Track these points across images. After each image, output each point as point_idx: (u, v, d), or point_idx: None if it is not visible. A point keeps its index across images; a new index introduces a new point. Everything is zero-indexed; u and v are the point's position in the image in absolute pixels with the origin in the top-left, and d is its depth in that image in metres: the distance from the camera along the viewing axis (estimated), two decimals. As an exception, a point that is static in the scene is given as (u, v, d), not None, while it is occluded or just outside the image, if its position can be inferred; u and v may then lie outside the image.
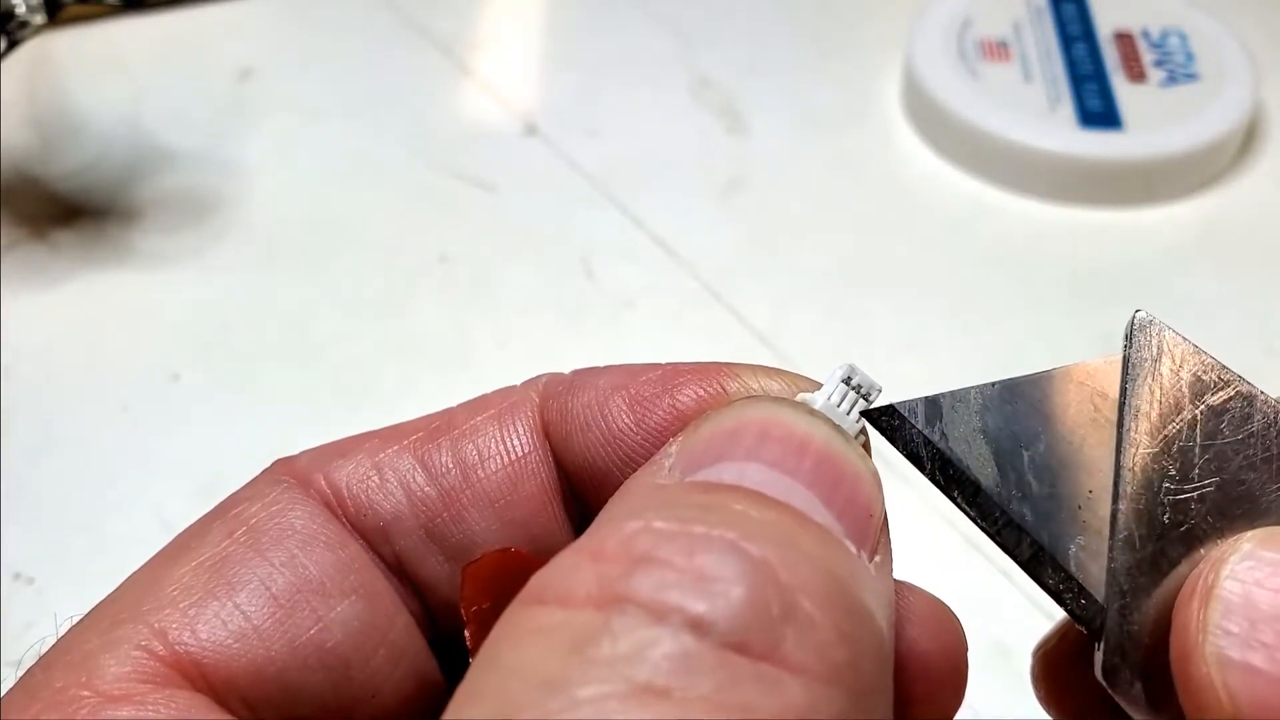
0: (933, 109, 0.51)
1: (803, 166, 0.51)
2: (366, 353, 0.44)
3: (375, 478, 0.19)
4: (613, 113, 0.53)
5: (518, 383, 0.21)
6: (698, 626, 0.14)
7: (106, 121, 0.52)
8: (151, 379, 0.43)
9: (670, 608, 0.14)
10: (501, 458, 0.19)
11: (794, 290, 0.47)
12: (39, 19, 0.43)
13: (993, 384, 0.19)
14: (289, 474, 0.20)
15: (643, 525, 0.15)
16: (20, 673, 0.17)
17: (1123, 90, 0.51)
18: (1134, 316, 0.19)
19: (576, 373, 0.20)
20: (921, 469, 0.19)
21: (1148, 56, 0.53)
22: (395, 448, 0.20)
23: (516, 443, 0.19)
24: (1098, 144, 0.49)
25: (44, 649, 0.17)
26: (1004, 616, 0.37)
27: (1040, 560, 0.18)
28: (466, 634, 0.18)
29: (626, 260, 0.47)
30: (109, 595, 0.18)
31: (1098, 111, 0.50)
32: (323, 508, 0.19)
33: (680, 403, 0.19)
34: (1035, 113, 0.50)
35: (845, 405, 0.19)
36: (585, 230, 0.48)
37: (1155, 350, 0.19)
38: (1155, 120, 0.50)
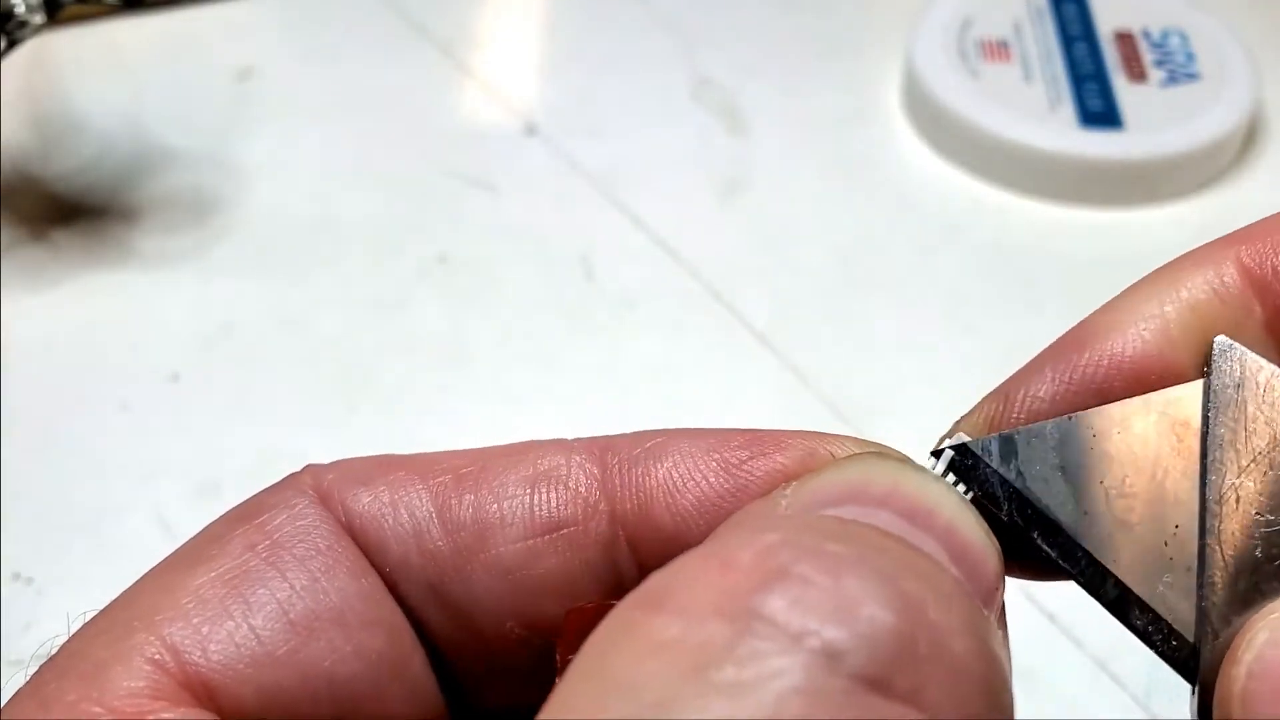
0: (933, 109, 0.51)
1: (803, 166, 0.51)
2: (366, 353, 0.44)
3: (390, 518, 0.18)
4: (613, 113, 0.53)
5: (554, 428, 0.20)
6: (835, 655, 0.13)
7: (106, 121, 0.52)
8: (151, 379, 0.43)
9: (808, 630, 0.13)
10: (523, 526, 0.18)
11: (794, 290, 0.47)
12: (39, 19, 0.43)
13: (1068, 417, 0.18)
14: (315, 488, 0.19)
15: (781, 539, 0.14)
16: (30, 671, 0.17)
17: (1123, 90, 0.51)
18: (1214, 341, 0.18)
19: (640, 437, 0.19)
20: (998, 510, 0.18)
21: (1148, 56, 0.53)
22: (419, 488, 0.19)
23: (545, 511, 0.18)
24: (1098, 144, 0.49)
25: (54, 648, 0.17)
26: (1024, 636, 0.37)
27: (1126, 600, 0.17)
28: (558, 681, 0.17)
29: (626, 260, 0.47)
30: (121, 595, 0.18)
31: (1098, 111, 0.50)
32: (345, 531, 0.18)
33: (782, 463, 0.18)
34: (1035, 113, 0.50)
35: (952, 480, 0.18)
36: (585, 230, 0.48)
37: (1238, 376, 0.18)
38: (1156, 120, 0.50)
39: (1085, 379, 0.18)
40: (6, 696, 0.37)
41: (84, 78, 0.54)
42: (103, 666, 0.16)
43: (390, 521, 0.18)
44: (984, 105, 0.50)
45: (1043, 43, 0.53)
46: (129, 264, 0.47)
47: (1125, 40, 0.54)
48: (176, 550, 0.18)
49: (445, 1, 0.59)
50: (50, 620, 0.36)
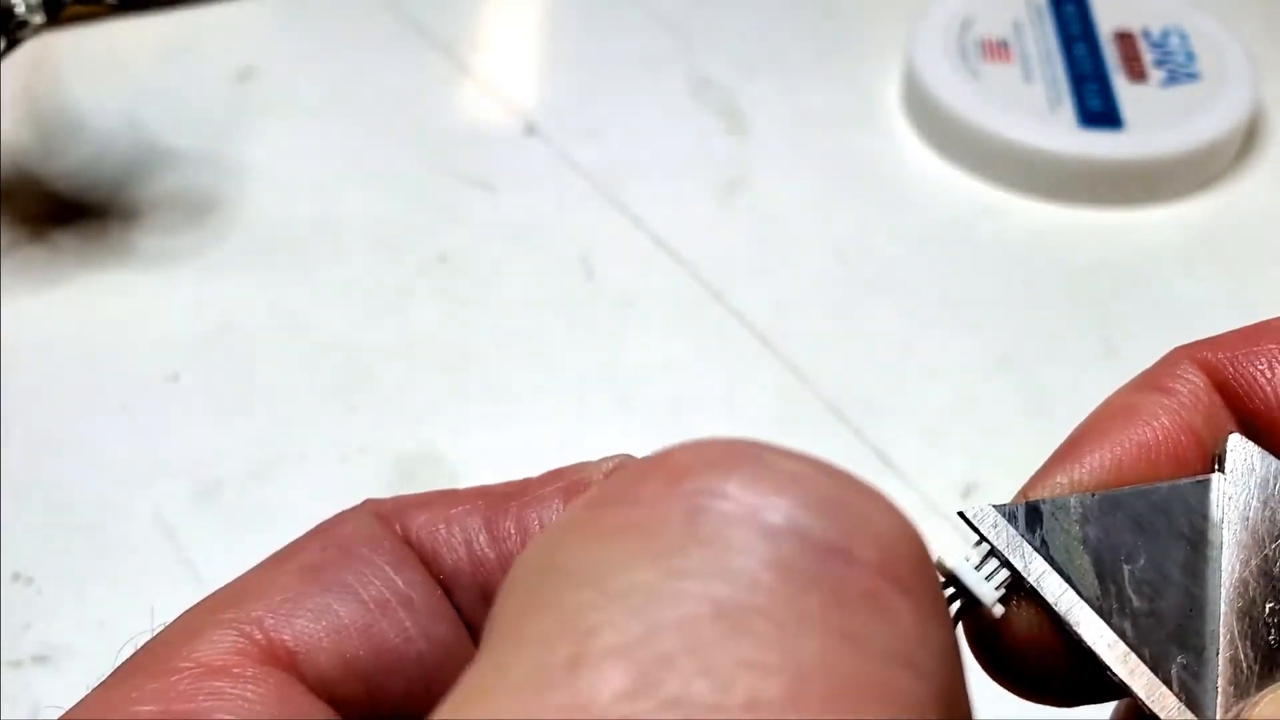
0: (933, 109, 0.51)
1: (803, 166, 0.51)
2: (366, 353, 0.44)
3: (443, 532, 0.20)
4: (613, 113, 0.53)
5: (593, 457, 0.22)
6: (798, 526, 0.13)
7: (106, 121, 0.52)
8: (151, 379, 0.43)
9: (766, 504, 0.13)
10: None
11: (794, 290, 0.47)
12: (39, 19, 0.43)
13: (1092, 495, 0.18)
14: (374, 512, 0.20)
15: (711, 440, 0.14)
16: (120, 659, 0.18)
17: (1123, 90, 0.51)
18: (1227, 439, 0.19)
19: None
20: (1020, 574, 0.18)
21: (1148, 56, 0.53)
22: (466, 507, 0.20)
23: None
24: (1098, 144, 0.49)
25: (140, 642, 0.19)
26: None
27: (1140, 678, 0.18)
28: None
29: (626, 260, 0.47)
30: (206, 598, 0.19)
31: (1098, 111, 0.50)
32: (404, 543, 0.20)
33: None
34: (1035, 113, 0.50)
35: (985, 570, 0.18)
36: (585, 230, 0.48)
37: (1248, 470, 0.19)
38: (1155, 120, 0.50)
39: (1100, 470, 0.19)
40: (6, 696, 0.37)
41: (84, 78, 0.54)
42: (193, 634, 0.18)
43: (444, 533, 0.20)
44: (984, 105, 0.50)
45: (1043, 43, 0.53)
46: (129, 264, 0.47)
47: (1125, 40, 0.54)
48: (258, 563, 0.20)
49: (445, 1, 0.59)
50: (50, 620, 0.36)
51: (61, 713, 0.17)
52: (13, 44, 0.43)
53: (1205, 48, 0.53)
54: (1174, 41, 0.53)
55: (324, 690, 0.18)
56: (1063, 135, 0.49)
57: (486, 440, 0.41)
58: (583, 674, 0.12)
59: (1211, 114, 0.50)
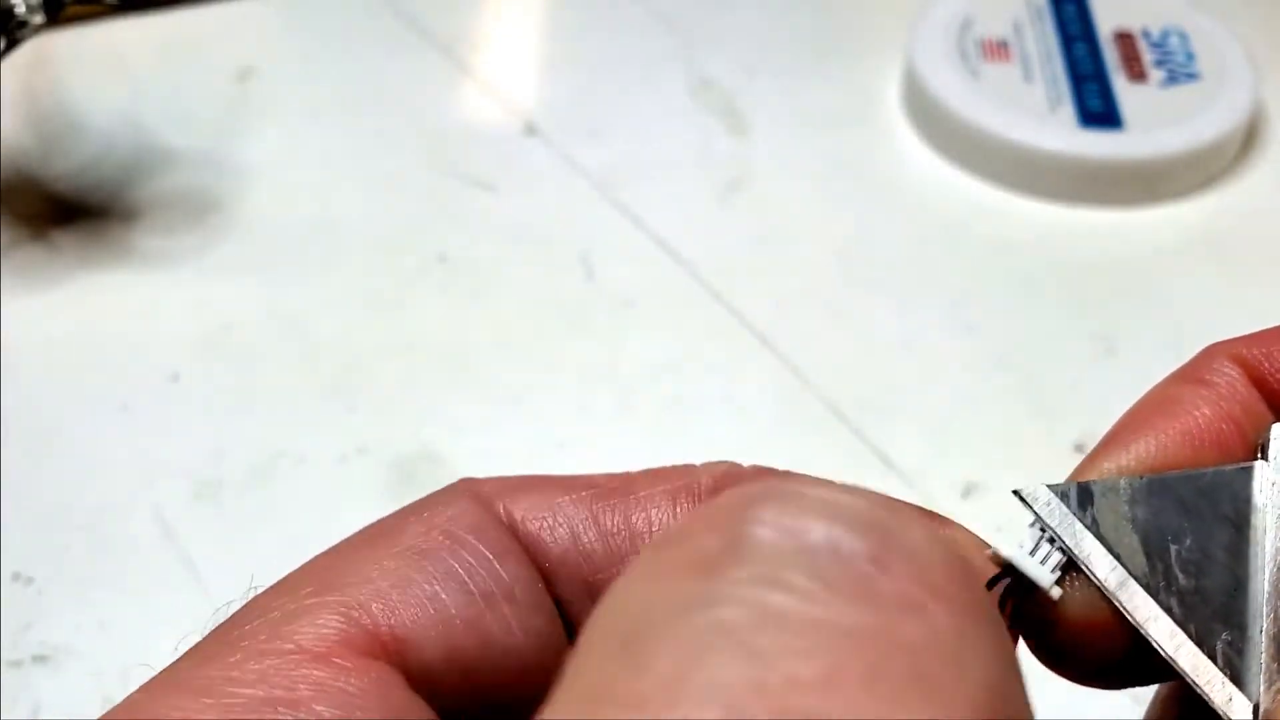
0: (933, 109, 0.51)
1: (803, 166, 0.51)
2: (366, 353, 0.44)
3: (549, 519, 0.20)
4: (613, 113, 0.53)
5: (688, 460, 0.22)
6: (836, 543, 0.13)
7: (106, 121, 0.52)
8: (151, 379, 0.43)
9: (804, 526, 0.14)
10: None
11: (794, 290, 0.47)
12: (39, 19, 0.43)
13: (1140, 478, 0.19)
14: (473, 494, 0.20)
15: (754, 479, 0.15)
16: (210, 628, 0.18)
17: (1123, 90, 0.51)
18: (1270, 428, 0.19)
19: (759, 471, 0.21)
20: (1064, 553, 0.19)
21: (1148, 56, 0.53)
22: (571, 497, 0.20)
23: None
24: (1098, 144, 0.49)
25: (228, 613, 0.18)
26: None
27: (1186, 653, 0.18)
28: None
29: (626, 260, 0.47)
30: (295, 573, 0.19)
31: (1098, 111, 0.50)
32: (507, 530, 0.20)
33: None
34: (1035, 113, 0.50)
35: (1040, 555, 0.19)
36: (585, 230, 0.48)
37: None
38: (1155, 120, 0.50)
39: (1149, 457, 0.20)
40: (6, 696, 0.37)
41: (84, 78, 0.54)
42: (292, 616, 0.17)
43: (550, 522, 0.20)
44: (984, 105, 0.50)
45: (1043, 43, 0.53)
46: (129, 264, 0.47)
47: (1125, 40, 0.54)
48: (344, 539, 0.19)
49: (445, 1, 0.59)
50: (50, 620, 0.36)
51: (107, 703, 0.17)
52: (13, 44, 0.43)
53: (1205, 48, 0.53)
54: (1174, 41, 0.53)
55: (425, 682, 0.18)
56: (1063, 135, 0.49)
57: (486, 440, 0.41)
58: (636, 656, 0.13)
59: (1211, 114, 0.50)
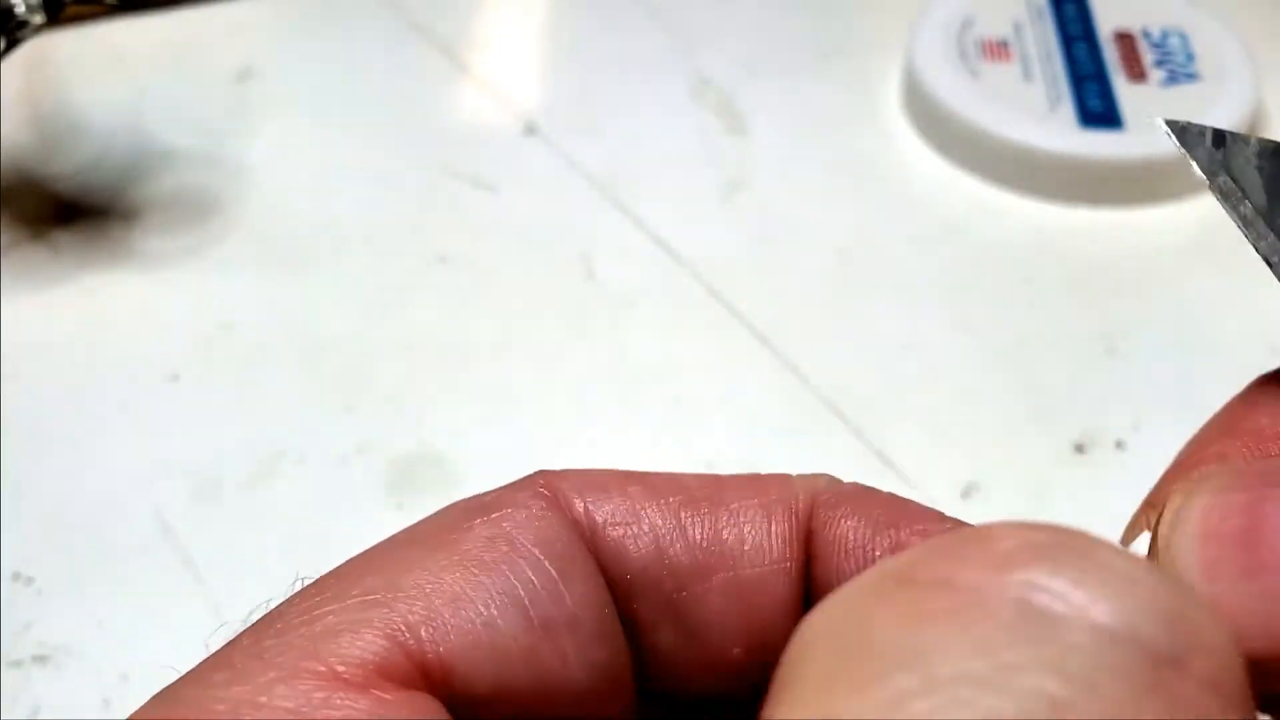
0: (933, 109, 0.51)
1: (803, 166, 0.51)
2: (366, 353, 0.44)
3: (633, 527, 0.18)
4: (613, 113, 0.53)
5: (784, 470, 0.20)
6: (1132, 630, 0.12)
7: (106, 121, 0.52)
8: (151, 379, 0.43)
9: (1097, 603, 0.12)
10: (764, 552, 0.18)
11: (794, 290, 0.47)
12: (39, 19, 0.43)
13: (1263, 138, 0.21)
14: (550, 491, 0.18)
15: (1034, 525, 0.13)
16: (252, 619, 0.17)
17: (1123, 90, 0.51)
18: None
19: (857, 489, 0.19)
20: (1205, 181, 0.21)
21: (1148, 56, 0.53)
22: (657, 501, 0.19)
23: (780, 542, 0.18)
24: (1098, 144, 0.49)
25: (267, 609, 0.17)
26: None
27: None
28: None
29: (626, 260, 0.47)
30: (346, 566, 0.17)
31: (1098, 111, 0.50)
32: (580, 538, 0.18)
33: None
34: (1035, 113, 0.50)
35: None
36: (585, 230, 0.48)
37: None
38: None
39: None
40: (6, 696, 0.37)
41: (84, 78, 0.54)
42: (333, 632, 0.16)
43: (633, 530, 0.18)
44: (984, 105, 0.50)
45: (1043, 43, 0.53)
46: (129, 264, 0.47)
47: (1125, 40, 0.54)
48: (404, 531, 0.18)
49: (445, 1, 0.59)
50: (50, 620, 0.36)
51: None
52: (13, 44, 0.43)
53: (1205, 48, 0.53)
54: (1174, 41, 0.53)
55: (468, 714, 0.16)
56: (1063, 135, 0.49)
57: (486, 440, 0.41)
58: None
59: (1211, 114, 0.50)
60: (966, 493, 0.40)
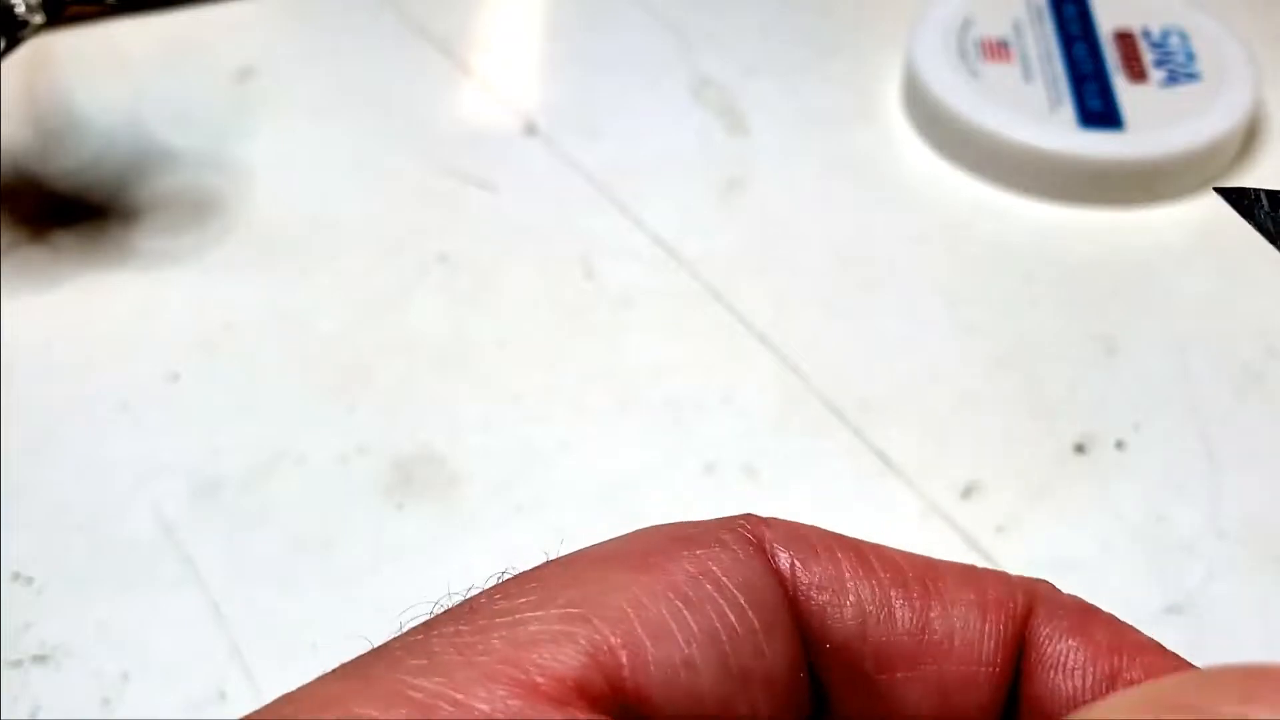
0: (933, 109, 0.51)
1: (803, 166, 0.51)
2: (366, 353, 0.44)
3: (840, 595, 0.17)
4: (613, 113, 0.53)
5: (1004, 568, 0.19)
6: None
7: (106, 121, 0.52)
8: (151, 379, 0.43)
9: None
10: (974, 651, 0.17)
11: (794, 290, 0.47)
12: (39, 19, 0.43)
13: None
14: (755, 539, 0.18)
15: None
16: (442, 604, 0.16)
17: (1123, 90, 0.51)
18: None
19: (1077, 604, 0.18)
20: (1272, 242, 0.22)
21: (1148, 56, 0.53)
22: (868, 575, 0.18)
23: (992, 644, 0.17)
24: (1098, 144, 0.49)
25: (449, 602, 0.16)
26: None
27: None
28: None
29: (626, 260, 0.47)
30: (545, 570, 0.16)
31: (1098, 111, 0.50)
32: (785, 594, 0.17)
33: None
34: (1035, 113, 0.50)
35: None
36: (585, 230, 0.48)
37: None
38: (1156, 120, 0.50)
39: None
40: (6, 696, 0.37)
41: (84, 78, 0.54)
42: (534, 640, 0.15)
43: (839, 600, 0.17)
44: (984, 105, 0.50)
45: (1043, 43, 0.53)
46: (129, 264, 0.47)
47: (1125, 40, 0.54)
48: (605, 545, 0.17)
49: (445, 1, 0.59)
50: (50, 620, 0.36)
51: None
52: (13, 44, 0.43)
53: (1205, 48, 0.53)
54: (1174, 41, 0.53)
55: None
56: (1063, 135, 0.49)
57: (486, 440, 0.41)
58: None
59: (1211, 114, 0.50)
60: (966, 493, 0.40)
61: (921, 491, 0.40)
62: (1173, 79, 0.52)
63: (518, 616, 0.15)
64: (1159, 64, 0.52)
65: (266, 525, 0.39)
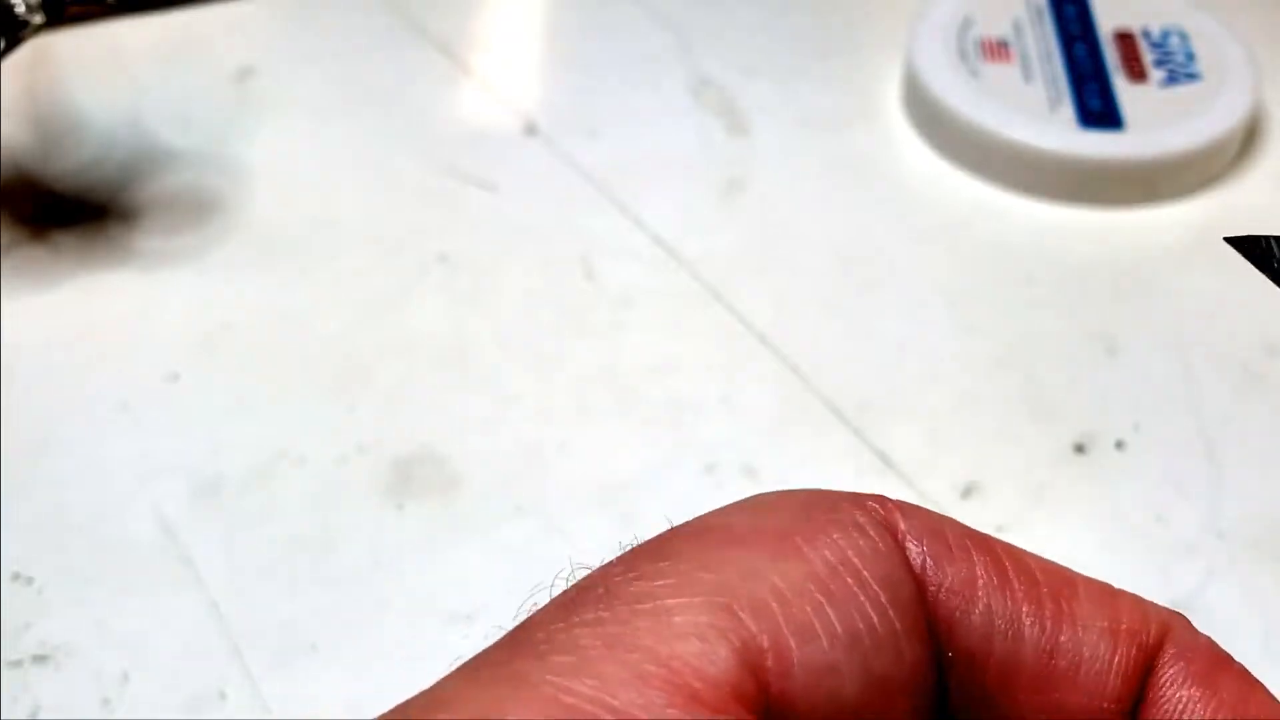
0: (933, 109, 0.51)
1: (803, 166, 0.51)
2: (366, 353, 0.44)
3: (972, 601, 0.16)
4: (613, 113, 0.53)
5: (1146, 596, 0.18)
6: None
7: (106, 121, 0.52)
8: (151, 379, 0.43)
9: None
10: (1101, 684, 0.16)
11: (794, 290, 0.47)
12: (39, 19, 0.43)
13: None
14: (889, 524, 0.16)
15: None
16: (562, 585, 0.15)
17: (1123, 90, 0.51)
18: None
19: (1211, 649, 0.17)
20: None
21: (1148, 56, 0.53)
22: (1004, 587, 0.16)
23: (1119, 680, 0.16)
24: (1098, 144, 0.49)
25: (572, 576, 0.15)
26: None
27: None
28: None
29: (626, 260, 0.47)
30: (675, 545, 0.15)
31: (1098, 111, 0.50)
32: (919, 593, 0.16)
33: None
34: (1035, 113, 0.50)
35: None
36: (585, 230, 0.48)
37: None
38: (1156, 120, 0.50)
39: None
40: (6, 696, 0.37)
41: (84, 78, 0.54)
42: (682, 634, 0.14)
43: (969, 606, 0.16)
44: (984, 105, 0.50)
45: (1043, 43, 0.53)
46: (129, 264, 0.47)
47: (1125, 40, 0.54)
48: (733, 515, 0.16)
49: (445, 1, 0.59)
50: (50, 620, 0.36)
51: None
52: (13, 44, 0.43)
53: (1205, 48, 0.53)
54: (1174, 41, 0.53)
55: None
56: (1063, 135, 0.49)
57: (486, 440, 0.41)
58: None
59: (1211, 114, 0.50)
60: (966, 493, 0.40)
61: (921, 491, 0.40)
62: (1173, 79, 0.52)
63: (660, 603, 0.14)
64: (1159, 64, 0.52)
65: (266, 525, 0.39)
